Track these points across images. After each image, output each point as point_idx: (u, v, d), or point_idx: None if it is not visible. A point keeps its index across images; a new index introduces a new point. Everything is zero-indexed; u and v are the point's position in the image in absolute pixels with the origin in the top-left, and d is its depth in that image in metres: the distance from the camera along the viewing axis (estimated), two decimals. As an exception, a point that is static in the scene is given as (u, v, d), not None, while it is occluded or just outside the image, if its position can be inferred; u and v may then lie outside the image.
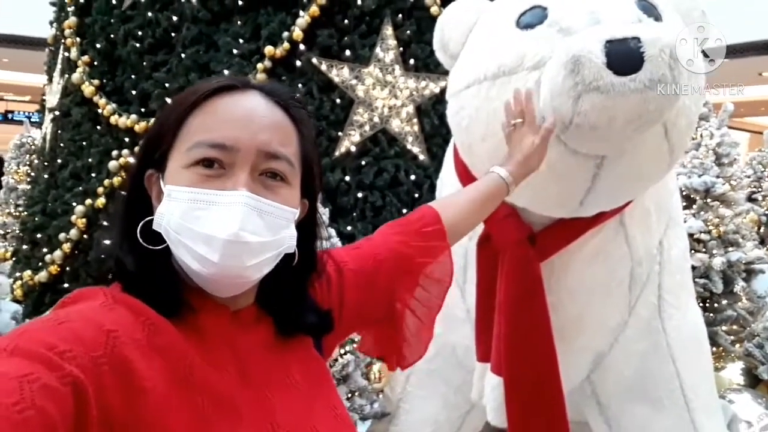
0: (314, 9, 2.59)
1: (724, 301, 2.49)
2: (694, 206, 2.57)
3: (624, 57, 0.85)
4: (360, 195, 2.63)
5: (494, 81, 1.06)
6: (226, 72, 2.50)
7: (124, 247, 0.64)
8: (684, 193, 2.61)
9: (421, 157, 2.77)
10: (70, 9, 2.98)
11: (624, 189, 1.15)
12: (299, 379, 0.69)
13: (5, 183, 5.16)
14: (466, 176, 1.38)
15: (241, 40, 2.59)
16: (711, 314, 2.46)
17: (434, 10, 2.76)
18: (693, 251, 2.49)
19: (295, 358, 0.70)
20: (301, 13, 2.58)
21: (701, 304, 2.46)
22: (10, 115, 12.80)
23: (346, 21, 2.66)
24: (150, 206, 0.65)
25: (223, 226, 0.59)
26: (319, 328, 0.75)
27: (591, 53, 0.86)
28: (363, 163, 2.70)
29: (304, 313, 0.72)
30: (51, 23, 3.29)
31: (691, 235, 2.51)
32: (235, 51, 2.56)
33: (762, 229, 3.97)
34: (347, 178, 2.63)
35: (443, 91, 2.28)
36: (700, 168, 2.60)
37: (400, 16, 2.74)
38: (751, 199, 4.49)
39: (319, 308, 0.75)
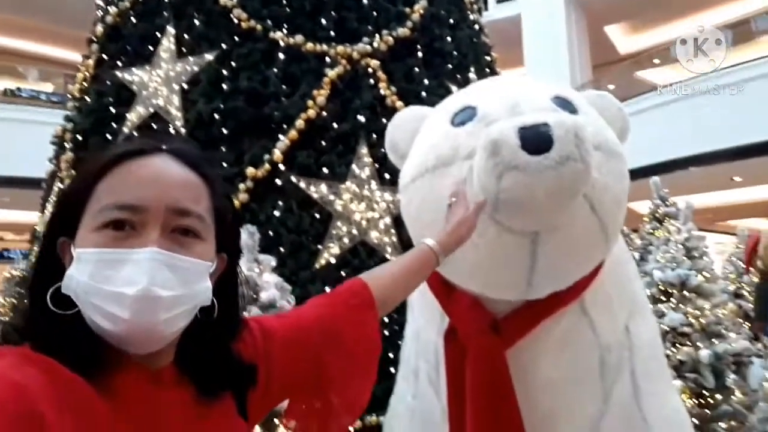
0: (293, 134, 2.81)
1: (718, 396, 2.42)
2: (672, 300, 2.60)
3: (535, 139, 0.96)
4: (341, 306, 2.65)
5: (434, 172, 1.16)
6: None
7: (35, 313, 0.64)
8: (661, 288, 2.65)
9: (401, 266, 2.83)
10: (68, 146, 3.21)
11: (565, 266, 1.20)
12: None
13: (-9, 317, 5.14)
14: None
15: (225, 164, 2.76)
16: (706, 410, 2.38)
17: (405, 130, 3.00)
18: (678, 345, 2.47)
19: (216, 421, 0.70)
20: (281, 137, 2.80)
21: (695, 401, 2.39)
22: (5, 253, 12.94)
23: (323, 143, 2.87)
24: (63, 273, 0.65)
25: (132, 282, 0.60)
26: (241, 382, 0.74)
27: (507, 137, 0.97)
28: (343, 274, 2.75)
29: (225, 367, 0.72)
30: (50, 160, 3.51)
31: (674, 329, 2.51)
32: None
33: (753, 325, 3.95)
34: (327, 290, 2.67)
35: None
36: (673, 262, 2.67)
37: (374, 135, 2.96)
38: (737, 295, 4.52)
39: (241, 362, 0.74)
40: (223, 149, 2.81)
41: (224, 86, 2.89)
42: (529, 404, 1.35)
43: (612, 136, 1.20)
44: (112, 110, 3.09)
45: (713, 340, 2.44)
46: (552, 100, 1.17)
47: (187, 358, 0.70)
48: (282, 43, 2.96)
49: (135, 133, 2.99)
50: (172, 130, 2.91)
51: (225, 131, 2.82)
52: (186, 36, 3.06)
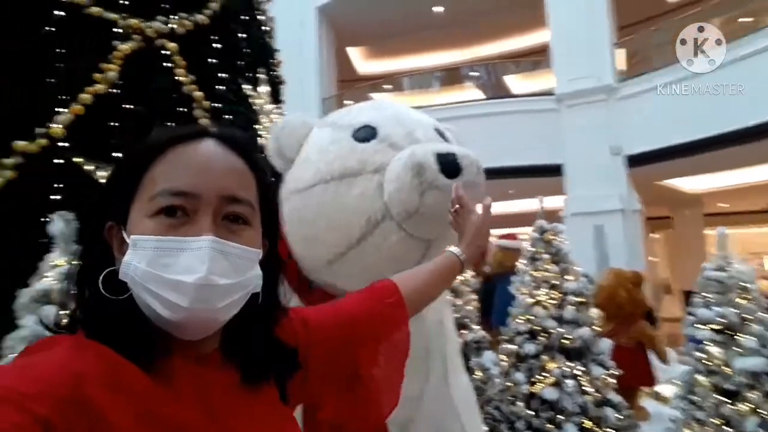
0: (78, 107, 2.45)
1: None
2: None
3: (450, 165, 1.16)
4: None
5: (341, 180, 1.25)
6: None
7: (87, 297, 0.63)
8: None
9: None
10: None
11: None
12: (266, 424, 0.69)
13: None
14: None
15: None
16: (456, 387, 2.92)
17: (204, 121, 2.89)
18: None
19: (263, 407, 0.70)
20: (64, 110, 2.41)
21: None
22: None
23: (113, 123, 2.57)
24: (111, 258, 0.64)
25: (191, 270, 0.60)
26: (285, 367, 0.75)
27: (429, 161, 1.15)
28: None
29: (270, 352, 0.73)
30: None
31: (435, 322, 3.01)
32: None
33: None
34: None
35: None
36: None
37: (170, 124, 2.77)
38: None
39: (285, 346, 0.75)
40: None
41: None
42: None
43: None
44: None
45: (462, 330, 3.00)
46: (435, 130, 1.38)
47: (232, 344, 0.70)
48: (59, -2, 2.55)
49: None
50: None
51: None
52: None
